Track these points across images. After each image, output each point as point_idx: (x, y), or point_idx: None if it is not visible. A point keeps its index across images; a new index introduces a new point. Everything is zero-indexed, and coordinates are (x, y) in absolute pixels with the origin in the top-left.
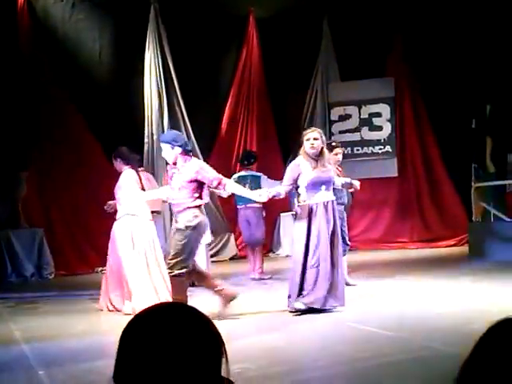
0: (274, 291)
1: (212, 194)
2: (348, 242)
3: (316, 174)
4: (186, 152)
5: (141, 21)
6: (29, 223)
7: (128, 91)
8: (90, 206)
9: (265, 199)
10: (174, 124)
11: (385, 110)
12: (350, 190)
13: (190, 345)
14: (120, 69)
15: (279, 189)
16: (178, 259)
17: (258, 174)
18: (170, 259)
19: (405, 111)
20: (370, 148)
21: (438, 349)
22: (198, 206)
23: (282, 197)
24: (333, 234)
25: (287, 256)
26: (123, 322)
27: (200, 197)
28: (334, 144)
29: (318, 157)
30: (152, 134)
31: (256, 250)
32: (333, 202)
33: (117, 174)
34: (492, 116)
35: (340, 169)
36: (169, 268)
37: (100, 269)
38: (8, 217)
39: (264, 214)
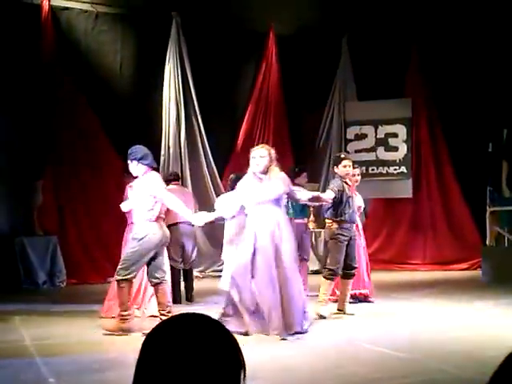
0: None
1: None
2: (354, 265)
3: (256, 193)
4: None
5: (162, 34)
6: (43, 231)
7: (147, 104)
8: (105, 215)
9: (200, 223)
10: (190, 137)
11: (401, 130)
12: (314, 204)
13: (212, 357)
14: (140, 81)
15: (222, 213)
16: (124, 266)
17: None
18: (119, 265)
19: (421, 133)
20: (386, 168)
21: (450, 372)
22: (154, 220)
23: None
24: (278, 253)
25: None
26: (136, 333)
27: (156, 211)
28: (342, 156)
29: (264, 175)
30: (169, 146)
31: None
32: (280, 220)
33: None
34: (509, 140)
35: (350, 183)
36: (116, 273)
37: (111, 279)
38: (23, 224)
39: None
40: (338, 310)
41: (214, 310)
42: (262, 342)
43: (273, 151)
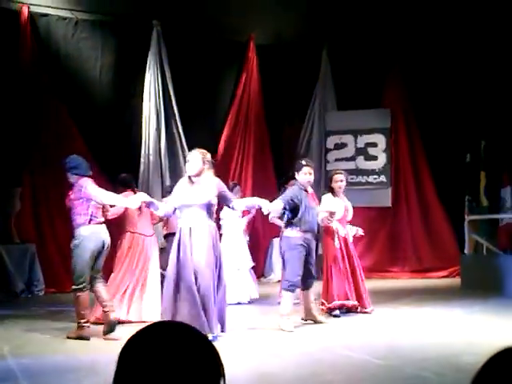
0: (264, 315)
1: None
2: (314, 275)
3: (186, 196)
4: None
5: (142, 42)
6: (21, 239)
7: (127, 111)
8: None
9: (136, 205)
10: (171, 145)
11: (380, 140)
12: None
13: (190, 364)
14: (120, 88)
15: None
16: (74, 276)
17: None
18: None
19: (400, 142)
20: (365, 177)
21: (428, 378)
22: (88, 224)
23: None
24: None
25: (279, 281)
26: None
27: (88, 215)
28: (303, 163)
29: (197, 178)
30: (149, 154)
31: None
32: (204, 226)
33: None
34: (486, 151)
35: (310, 190)
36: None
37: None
38: (0, 232)
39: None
40: (305, 319)
41: None
42: (239, 351)
43: (208, 155)
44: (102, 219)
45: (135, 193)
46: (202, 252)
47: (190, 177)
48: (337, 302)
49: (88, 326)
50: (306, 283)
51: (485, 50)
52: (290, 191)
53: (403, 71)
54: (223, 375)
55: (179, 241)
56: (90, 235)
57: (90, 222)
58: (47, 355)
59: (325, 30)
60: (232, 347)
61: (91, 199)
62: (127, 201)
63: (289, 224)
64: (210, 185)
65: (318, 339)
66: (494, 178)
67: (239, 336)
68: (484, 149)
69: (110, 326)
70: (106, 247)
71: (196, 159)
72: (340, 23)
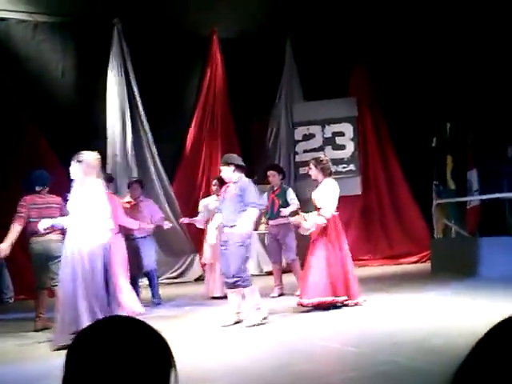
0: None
1: (176, 215)
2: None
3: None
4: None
5: (104, 41)
6: None
7: (91, 112)
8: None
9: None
10: (138, 145)
11: (348, 129)
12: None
13: (139, 357)
14: (83, 90)
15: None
16: (35, 278)
17: None
18: None
19: (367, 130)
20: (334, 167)
21: (401, 363)
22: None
23: None
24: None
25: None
26: None
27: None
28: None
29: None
30: (115, 155)
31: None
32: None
33: None
34: (452, 135)
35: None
36: None
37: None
38: None
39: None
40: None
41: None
42: (214, 343)
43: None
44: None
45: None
46: None
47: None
48: (313, 300)
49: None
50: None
51: (446, 34)
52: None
53: (368, 59)
54: (174, 366)
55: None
56: (32, 244)
57: (32, 233)
58: (17, 363)
59: (288, 21)
60: (207, 341)
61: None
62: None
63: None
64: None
65: (293, 330)
66: (460, 160)
67: (215, 329)
68: (450, 132)
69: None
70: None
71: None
72: (303, 14)
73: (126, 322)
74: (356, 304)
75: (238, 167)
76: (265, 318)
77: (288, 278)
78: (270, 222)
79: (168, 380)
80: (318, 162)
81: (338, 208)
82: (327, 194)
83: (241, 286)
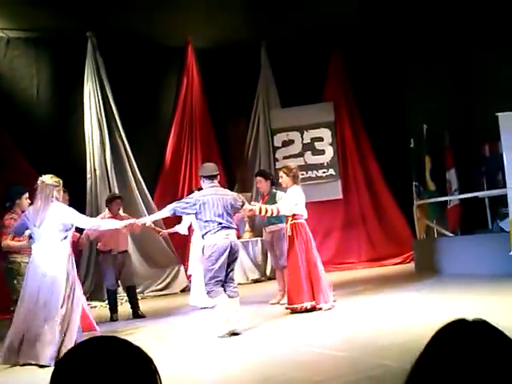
0: None
1: (157, 224)
2: None
3: None
4: None
5: (78, 54)
6: None
7: (68, 126)
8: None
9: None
10: (117, 157)
11: (326, 134)
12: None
13: (123, 375)
14: (59, 104)
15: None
16: None
17: None
18: None
19: (345, 134)
20: (314, 172)
21: (390, 366)
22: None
23: None
24: None
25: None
26: None
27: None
28: None
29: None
30: (94, 169)
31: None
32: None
33: None
34: (429, 135)
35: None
36: None
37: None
38: None
39: None
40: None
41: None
42: (202, 353)
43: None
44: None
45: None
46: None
47: None
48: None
49: None
50: None
51: (421, 30)
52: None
53: (342, 63)
54: (160, 382)
55: None
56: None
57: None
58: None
59: (262, 28)
60: (196, 351)
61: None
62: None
63: None
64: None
65: (278, 336)
66: (438, 161)
67: (203, 340)
68: (426, 132)
69: None
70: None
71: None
72: (276, 20)
73: (109, 341)
74: (329, 308)
75: (202, 178)
76: (234, 333)
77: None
78: (265, 229)
79: None
80: (288, 169)
81: (308, 215)
82: (290, 197)
83: (209, 296)
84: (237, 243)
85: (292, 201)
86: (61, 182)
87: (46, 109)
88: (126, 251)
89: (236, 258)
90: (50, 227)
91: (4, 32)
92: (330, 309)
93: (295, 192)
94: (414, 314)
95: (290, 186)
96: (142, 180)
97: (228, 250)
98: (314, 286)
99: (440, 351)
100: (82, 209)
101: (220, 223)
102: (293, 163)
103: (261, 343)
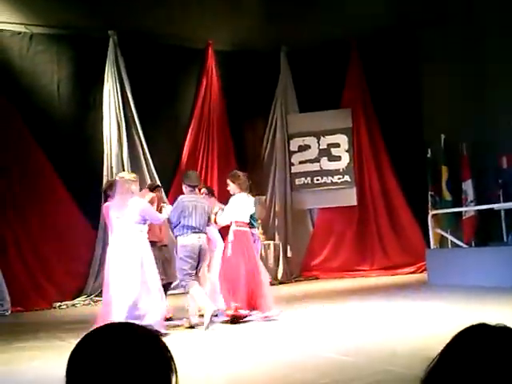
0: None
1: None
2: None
3: None
4: None
5: (99, 53)
6: None
7: (87, 123)
8: (48, 239)
9: None
10: (133, 156)
11: (343, 140)
12: None
13: (139, 362)
14: (79, 101)
15: None
16: None
17: None
18: None
19: (362, 141)
20: (330, 178)
21: (397, 372)
22: None
23: None
24: None
25: None
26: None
27: None
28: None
29: None
30: (111, 167)
31: None
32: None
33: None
34: (446, 145)
35: None
36: None
37: (58, 304)
38: None
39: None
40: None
41: None
42: (204, 354)
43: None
44: None
45: None
46: None
47: None
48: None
49: None
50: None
51: (439, 41)
52: None
53: (361, 70)
54: (175, 370)
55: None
56: None
57: None
58: (9, 375)
59: (282, 33)
60: (198, 351)
61: None
62: None
63: None
64: None
65: (287, 339)
66: (455, 171)
67: (206, 340)
68: (444, 143)
69: None
70: None
71: None
72: (297, 27)
73: (126, 328)
74: (266, 317)
75: (185, 185)
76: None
77: None
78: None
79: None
80: (235, 177)
81: (322, 221)
82: (228, 206)
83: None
84: (206, 246)
85: (229, 210)
86: (137, 177)
87: (66, 105)
88: (167, 245)
89: (205, 258)
90: (129, 220)
91: (28, 28)
92: (271, 318)
93: (236, 200)
94: (423, 323)
95: (236, 193)
96: (158, 179)
97: (198, 251)
98: (254, 294)
99: (460, 353)
100: (98, 206)
101: (194, 227)
102: (241, 172)
103: (267, 345)
